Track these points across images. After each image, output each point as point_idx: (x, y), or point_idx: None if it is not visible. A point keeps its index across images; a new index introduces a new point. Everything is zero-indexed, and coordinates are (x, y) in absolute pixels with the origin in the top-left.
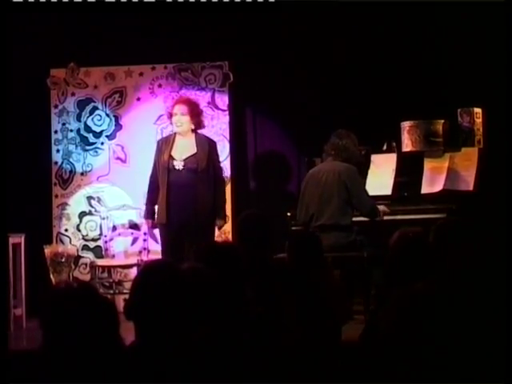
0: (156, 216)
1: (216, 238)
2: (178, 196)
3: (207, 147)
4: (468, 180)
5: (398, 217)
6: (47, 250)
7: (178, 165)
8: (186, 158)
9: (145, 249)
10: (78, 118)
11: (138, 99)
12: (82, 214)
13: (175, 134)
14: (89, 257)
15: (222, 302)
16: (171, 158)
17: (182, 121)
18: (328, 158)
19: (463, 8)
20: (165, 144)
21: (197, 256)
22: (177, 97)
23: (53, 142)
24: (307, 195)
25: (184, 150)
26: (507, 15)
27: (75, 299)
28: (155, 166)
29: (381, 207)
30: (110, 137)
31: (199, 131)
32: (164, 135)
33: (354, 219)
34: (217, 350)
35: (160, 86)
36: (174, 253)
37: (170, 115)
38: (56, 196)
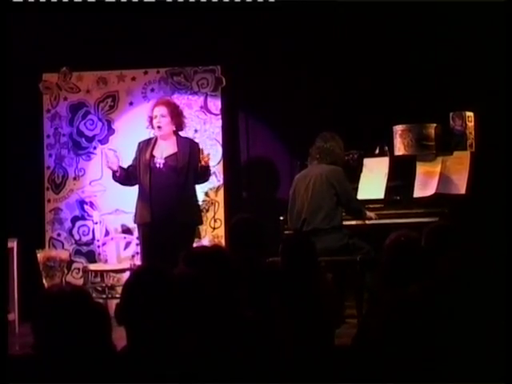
0: (135, 217)
1: (208, 243)
2: (160, 195)
3: (188, 147)
4: (460, 184)
5: (391, 220)
6: (40, 255)
7: (159, 163)
8: (167, 157)
9: (138, 253)
10: (71, 123)
11: (131, 104)
12: (74, 219)
13: (156, 137)
14: (81, 261)
15: (212, 306)
16: (152, 156)
17: (163, 123)
18: (313, 162)
19: (461, 9)
20: (146, 145)
21: (186, 260)
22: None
23: (45, 146)
24: (296, 201)
25: (165, 149)
26: (507, 15)
27: (67, 304)
28: (135, 164)
29: (371, 213)
30: (103, 141)
31: (181, 133)
32: None
33: (347, 223)
34: (208, 355)
35: (152, 90)
36: (158, 252)
37: (151, 119)
38: (48, 201)
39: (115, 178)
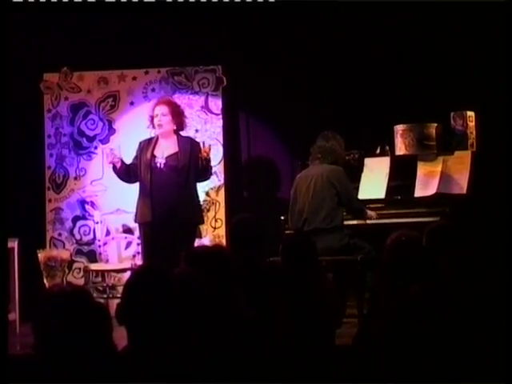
0: (136, 216)
1: (209, 243)
2: (161, 195)
3: (189, 146)
4: (461, 183)
5: (392, 220)
6: (41, 255)
7: (160, 162)
8: (168, 156)
9: (138, 253)
10: (72, 123)
11: (132, 103)
12: (75, 219)
13: (157, 136)
14: (82, 261)
15: (213, 306)
16: (153, 156)
17: (163, 121)
18: (315, 162)
19: (461, 9)
20: (147, 145)
21: (187, 260)
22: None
23: (46, 146)
24: (298, 201)
25: (166, 149)
26: (507, 15)
27: (68, 303)
28: (136, 162)
29: (371, 212)
30: (104, 141)
31: (181, 133)
32: None
33: (348, 223)
34: (208, 354)
35: (153, 90)
36: (159, 251)
37: (152, 118)
38: (49, 200)
39: (115, 170)
